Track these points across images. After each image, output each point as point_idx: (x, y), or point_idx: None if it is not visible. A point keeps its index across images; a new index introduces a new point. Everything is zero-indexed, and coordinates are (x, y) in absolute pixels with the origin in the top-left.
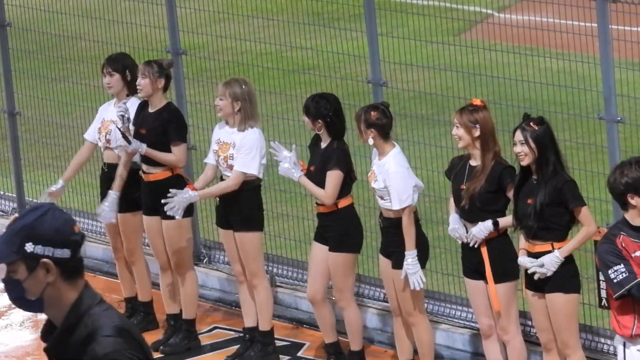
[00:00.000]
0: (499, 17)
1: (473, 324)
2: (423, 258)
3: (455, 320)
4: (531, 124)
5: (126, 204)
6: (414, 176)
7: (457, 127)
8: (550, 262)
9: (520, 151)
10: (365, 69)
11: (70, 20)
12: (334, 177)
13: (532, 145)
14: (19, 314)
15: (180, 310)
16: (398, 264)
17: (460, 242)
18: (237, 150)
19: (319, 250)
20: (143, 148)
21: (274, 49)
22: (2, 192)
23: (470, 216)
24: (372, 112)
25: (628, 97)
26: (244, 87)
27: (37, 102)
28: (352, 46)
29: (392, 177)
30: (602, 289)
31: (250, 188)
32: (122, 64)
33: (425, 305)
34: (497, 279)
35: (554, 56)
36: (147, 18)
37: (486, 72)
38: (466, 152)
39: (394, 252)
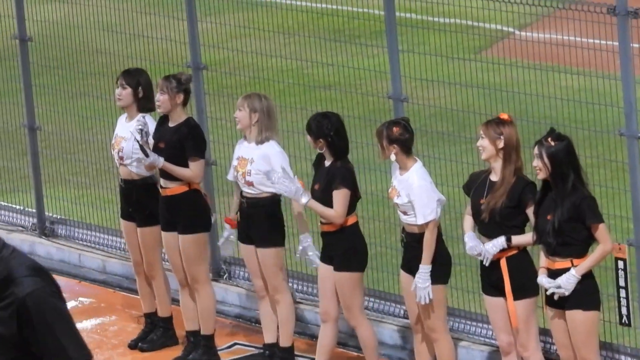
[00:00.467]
0: (520, 35)
1: (493, 341)
2: (445, 274)
3: (475, 337)
4: (549, 139)
5: (144, 218)
6: (437, 191)
7: (482, 137)
8: (567, 282)
9: (536, 165)
10: (386, 86)
11: (90, 35)
12: (341, 196)
13: (546, 160)
14: None
15: (200, 326)
16: None
17: (480, 258)
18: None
19: (325, 271)
20: (160, 162)
21: (295, 65)
22: (22, 208)
23: (488, 230)
24: (394, 128)
25: None
26: (263, 100)
27: (58, 117)
28: (373, 63)
29: (416, 191)
30: (623, 306)
31: (270, 203)
32: (136, 80)
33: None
34: (517, 296)
35: (575, 73)
36: (169, 33)
37: (507, 89)
38: (487, 165)
39: (418, 268)
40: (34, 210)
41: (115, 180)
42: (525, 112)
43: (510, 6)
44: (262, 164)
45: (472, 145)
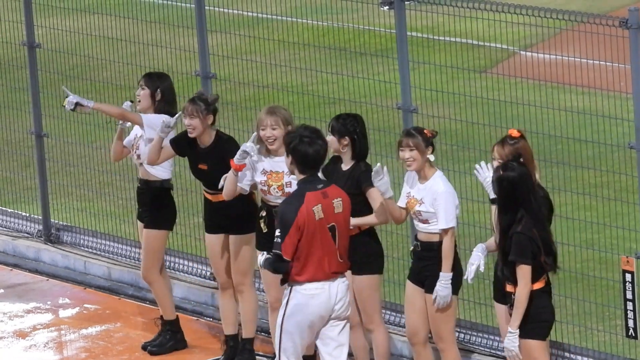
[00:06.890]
0: (525, 56)
1: (499, 352)
2: (458, 284)
3: (480, 347)
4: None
5: (153, 221)
6: (457, 198)
7: (499, 162)
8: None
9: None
10: (391, 104)
11: (97, 46)
12: (377, 195)
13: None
14: (43, 335)
15: (239, 331)
16: (432, 288)
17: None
18: None
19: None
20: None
21: (300, 80)
22: (28, 214)
23: None
24: (425, 130)
25: None
26: (284, 110)
27: (62, 128)
28: (380, 78)
29: (443, 196)
30: (630, 318)
31: None
32: (155, 84)
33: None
34: None
35: (579, 93)
36: (176, 45)
37: (512, 107)
38: None
39: (429, 277)
40: (39, 217)
41: (117, 193)
42: (529, 129)
43: (528, 22)
44: None
45: (477, 160)
